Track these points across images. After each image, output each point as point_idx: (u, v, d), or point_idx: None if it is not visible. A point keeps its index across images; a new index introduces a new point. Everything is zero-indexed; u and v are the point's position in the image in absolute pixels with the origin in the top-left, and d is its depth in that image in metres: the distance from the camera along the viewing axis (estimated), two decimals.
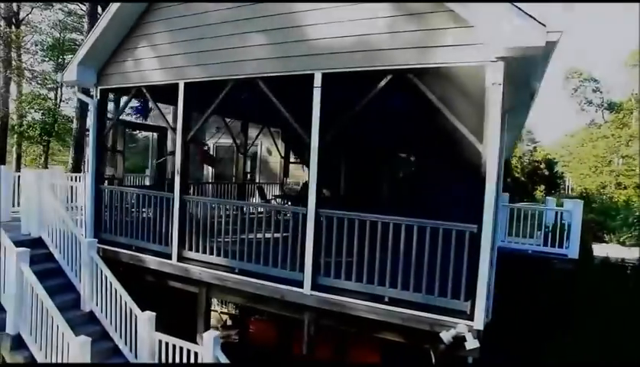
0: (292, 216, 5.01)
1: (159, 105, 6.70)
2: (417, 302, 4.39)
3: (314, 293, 4.87)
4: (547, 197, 13.72)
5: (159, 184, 8.50)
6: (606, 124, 32.69)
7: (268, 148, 12.74)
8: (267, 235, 5.31)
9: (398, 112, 7.00)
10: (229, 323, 9.83)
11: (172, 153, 9.23)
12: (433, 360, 4.51)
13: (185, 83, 5.78)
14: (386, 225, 4.54)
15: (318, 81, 4.81)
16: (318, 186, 4.86)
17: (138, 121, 9.67)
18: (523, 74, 4.30)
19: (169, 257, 6.01)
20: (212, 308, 10.31)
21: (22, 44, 19.46)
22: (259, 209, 6.30)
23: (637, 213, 16.78)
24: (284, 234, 5.14)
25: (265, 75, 5.19)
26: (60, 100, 23.29)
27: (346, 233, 4.70)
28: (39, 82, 20.76)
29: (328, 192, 4.93)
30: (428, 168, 9.00)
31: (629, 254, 12.12)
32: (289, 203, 9.98)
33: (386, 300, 4.53)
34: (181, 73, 5.81)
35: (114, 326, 5.57)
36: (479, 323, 4.05)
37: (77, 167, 13.50)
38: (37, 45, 21.38)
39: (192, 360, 4.67)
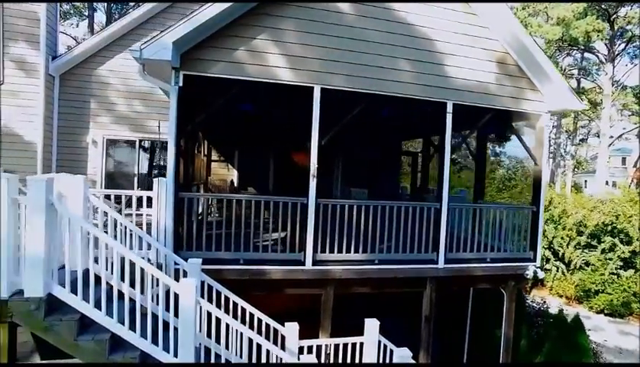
0: (427, 210, 6.44)
1: None
2: (507, 257, 6.96)
3: (446, 265, 6.53)
4: None
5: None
6: None
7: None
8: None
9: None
10: None
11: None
12: (505, 296, 7.20)
13: (322, 88, 5.86)
14: (488, 210, 6.90)
15: (450, 108, 6.46)
16: (449, 187, 6.53)
17: None
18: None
19: (300, 263, 5.89)
20: None
21: None
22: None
23: None
24: (415, 225, 6.44)
25: (404, 96, 6.27)
26: None
27: (478, 220, 6.71)
28: None
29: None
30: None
31: None
32: None
33: (488, 260, 6.84)
34: (317, 77, 5.83)
35: (244, 355, 5.10)
36: (538, 262, 7.05)
37: None
38: None
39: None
